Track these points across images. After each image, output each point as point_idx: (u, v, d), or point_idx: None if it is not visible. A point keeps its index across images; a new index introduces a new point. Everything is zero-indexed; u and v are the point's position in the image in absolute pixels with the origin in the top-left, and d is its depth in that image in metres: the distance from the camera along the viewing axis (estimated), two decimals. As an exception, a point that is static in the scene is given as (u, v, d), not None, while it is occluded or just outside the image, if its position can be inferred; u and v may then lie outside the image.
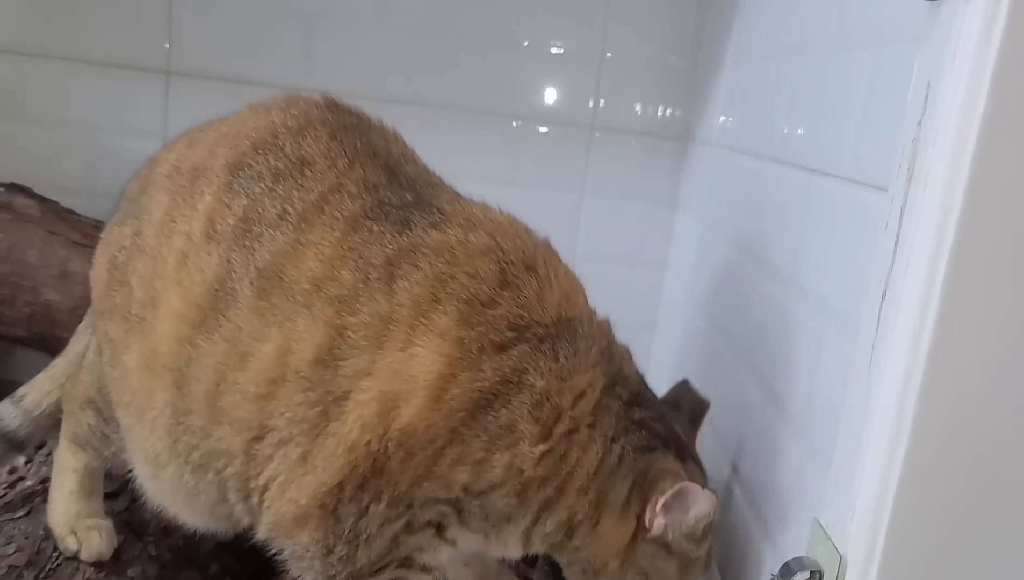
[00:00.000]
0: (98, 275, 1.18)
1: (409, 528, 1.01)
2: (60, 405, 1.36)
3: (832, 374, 0.95)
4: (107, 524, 1.31)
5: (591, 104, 1.95)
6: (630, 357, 1.10)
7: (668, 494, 1.00)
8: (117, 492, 1.44)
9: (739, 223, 1.42)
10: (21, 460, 1.55)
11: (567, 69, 1.94)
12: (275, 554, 1.29)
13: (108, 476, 1.40)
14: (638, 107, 1.95)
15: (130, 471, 1.48)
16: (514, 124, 1.96)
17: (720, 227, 1.55)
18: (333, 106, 1.13)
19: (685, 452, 1.07)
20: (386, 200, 1.04)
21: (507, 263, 1.01)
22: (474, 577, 1.25)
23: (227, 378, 1.02)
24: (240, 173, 1.05)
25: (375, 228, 1.01)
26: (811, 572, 0.82)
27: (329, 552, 1.01)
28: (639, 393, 1.07)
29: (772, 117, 1.29)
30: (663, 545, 1.04)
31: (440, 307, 0.97)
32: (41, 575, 1.23)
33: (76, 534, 1.27)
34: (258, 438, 1.02)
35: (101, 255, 1.19)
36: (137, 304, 1.10)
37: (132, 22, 1.93)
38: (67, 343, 1.49)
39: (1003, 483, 0.73)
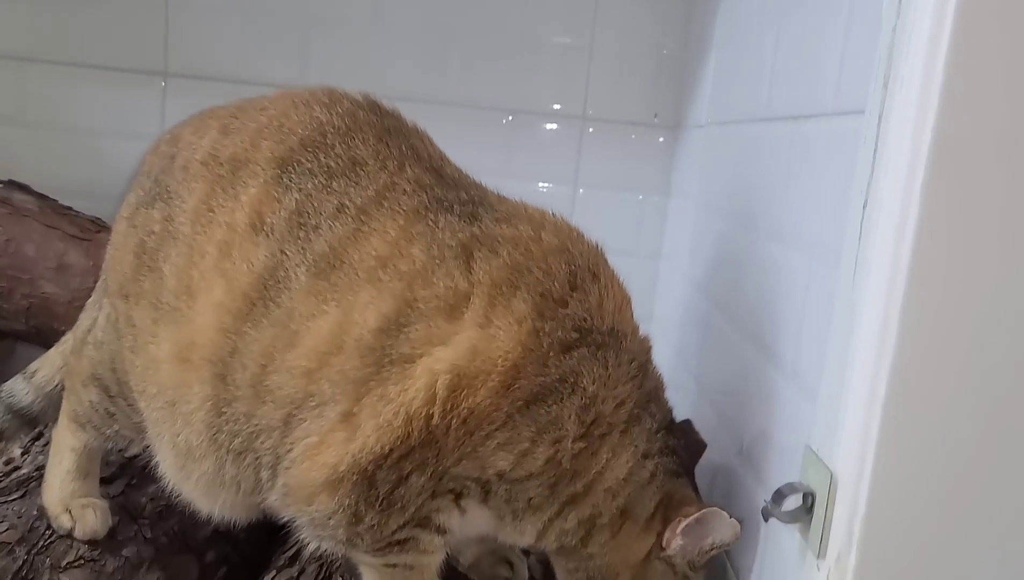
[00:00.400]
0: (122, 257, 1.17)
1: (433, 495, 1.01)
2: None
3: (818, 311, 0.94)
4: (102, 504, 1.30)
5: (583, 96, 1.97)
6: (663, 384, 1.12)
7: (692, 517, 1.04)
8: (113, 477, 1.44)
9: (731, 196, 1.43)
10: (17, 451, 1.55)
11: (558, 62, 1.96)
12: (282, 528, 1.29)
13: (104, 461, 1.40)
14: (629, 97, 1.97)
15: (122, 451, 1.50)
16: (508, 118, 1.98)
17: (713, 206, 1.55)
18: (375, 108, 1.15)
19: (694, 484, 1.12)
20: (442, 197, 1.06)
21: (576, 266, 1.04)
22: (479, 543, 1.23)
23: (275, 360, 1.02)
24: (290, 168, 1.06)
25: (440, 220, 1.03)
26: (803, 495, 0.81)
27: (359, 520, 1.00)
28: (672, 421, 1.11)
29: (756, 82, 1.31)
30: (671, 566, 1.07)
31: (519, 294, 0.99)
32: (33, 551, 1.22)
33: (70, 512, 1.26)
34: (298, 407, 1.01)
35: (127, 237, 1.17)
36: (170, 293, 1.09)
37: (129, 26, 1.96)
38: (61, 335, 1.49)
39: (989, 389, 0.73)
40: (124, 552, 1.30)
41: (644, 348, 1.09)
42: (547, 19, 1.95)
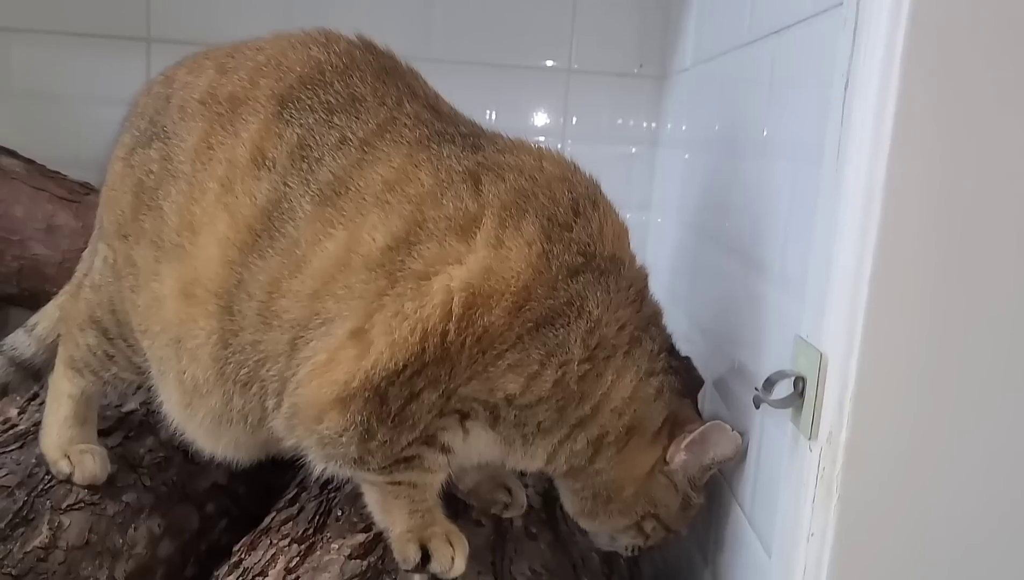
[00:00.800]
0: (119, 197, 1.17)
1: (440, 413, 1.03)
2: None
3: (803, 213, 0.95)
4: (100, 450, 1.31)
5: (568, 49, 1.97)
6: (661, 311, 1.14)
7: (696, 431, 1.08)
8: (110, 430, 1.44)
9: (718, 129, 1.44)
10: (14, 411, 1.55)
11: (541, 14, 1.96)
12: (281, 484, 1.30)
13: (101, 415, 1.40)
14: (614, 48, 1.97)
15: (119, 406, 1.50)
16: (493, 72, 1.99)
17: (701, 144, 1.56)
18: (371, 48, 1.17)
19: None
20: (442, 130, 1.09)
21: (578, 193, 1.06)
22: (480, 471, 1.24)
23: (281, 286, 1.03)
24: (290, 105, 1.08)
25: (444, 149, 1.06)
26: (794, 380, 0.82)
27: (371, 436, 1.01)
28: (672, 346, 1.16)
29: (738, 7, 1.32)
30: (673, 482, 1.11)
31: (527, 217, 1.01)
32: (33, 494, 1.22)
33: (69, 457, 1.27)
34: (304, 328, 1.03)
35: (123, 177, 1.17)
36: (171, 230, 1.10)
37: (111, -9, 1.96)
38: (52, 296, 1.49)
39: (973, 259, 0.74)
40: (124, 498, 1.31)
41: (642, 275, 1.11)
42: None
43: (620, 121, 2.00)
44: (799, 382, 0.81)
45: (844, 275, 0.76)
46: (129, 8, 1.96)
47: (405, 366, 0.98)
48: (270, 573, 1.08)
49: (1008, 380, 0.75)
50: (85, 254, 1.36)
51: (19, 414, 1.55)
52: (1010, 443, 0.76)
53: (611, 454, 1.08)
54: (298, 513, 1.25)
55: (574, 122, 2.01)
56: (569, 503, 1.17)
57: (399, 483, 1.06)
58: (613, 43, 1.98)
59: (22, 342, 1.40)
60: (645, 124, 1.99)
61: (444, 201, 1.01)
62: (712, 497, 1.19)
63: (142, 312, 1.14)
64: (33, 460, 1.30)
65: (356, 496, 1.19)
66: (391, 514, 1.08)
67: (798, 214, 0.97)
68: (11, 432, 1.44)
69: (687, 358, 1.31)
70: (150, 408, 1.57)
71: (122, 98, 1.97)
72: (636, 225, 1.97)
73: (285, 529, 1.20)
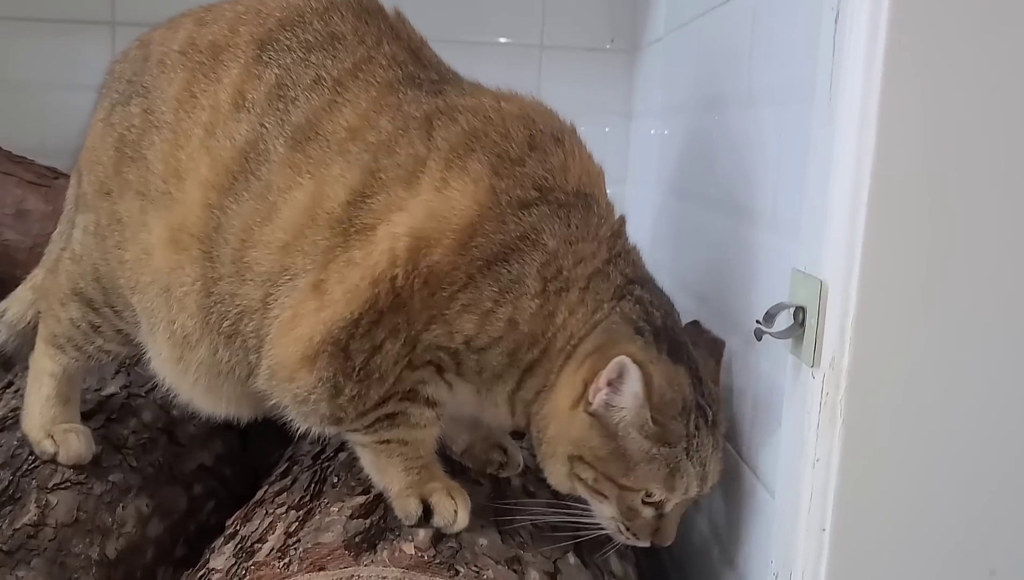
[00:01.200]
0: (99, 157, 1.16)
1: (411, 365, 1.02)
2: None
3: (793, 156, 0.97)
4: (85, 429, 1.29)
5: (539, 24, 1.98)
6: (639, 252, 1.12)
7: (609, 368, 0.96)
8: (91, 413, 1.41)
9: (698, 90, 1.45)
10: (-12, 398, 1.51)
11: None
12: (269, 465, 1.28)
13: (82, 399, 1.37)
14: (585, 24, 1.98)
15: (99, 390, 1.47)
16: (464, 49, 1.98)
17: (679, 109, 1.58)
18: None
19: (682, 357, 1.02)
20: (415, 75, 1.08)
21: (537, 130, 1.05)
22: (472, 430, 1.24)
23: (253, 234, 1.03)
24: (269, 47, 1.08)
25: (410, 93, 1.06)
26: (793, 311, 0.83)
27: (339, 393, 1.00)
28: (648, 281, 1.09)
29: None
30: (604, 424, 0.99)
31: (475, 155, 1.01)
32: (18, 474, 1.19)
33: (53, 437, 1.24)
34: (274, 284, 1.03)
35: (104, 136, 1.16)
36: (157, 178, 1.10)
37: (72, -26, 1.92)
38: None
39: (970, 180, 0.76)
40: (111, 478, 1.29)
41: (619, 220, 1.09)
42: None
43: (593, 96, 2.01)
44: (799, 313, 0.82)
45: (841, 202, 0.77)
46: (92, -9, 1.93)
47: (361, 316, 0.98)
48: (269, 539, 1.07)
49: (1009, 297, 0.77)
50: (55, 235, 1.35)
51: (-6, 401, 1.51)
52: (1011, 357, 0.77)
53: (549, 392, 1.04)
54: (292, 484, 1.24)
55: (547, 99, 2.01)
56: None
57: (388, 442, 1.06)
58: (584, 19, 1.99)
59: None
60: (618, 98, 2.00)
61: (397, 149, 1.02)
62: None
63: (131, 266, 1.13)
64: (14, 442, 1.27)
65: (351, 463, 1.19)
66: (386, 473, 1.07)
67: (788, 156, 0.99)
68: (-12, 418, 1.41)
69: (695, 322, 1.27)
70: (131, 391, 1.55)
71: (86, 84, 1.93)
72: (612, 200, 2.02)
73: (280, 499, 1.18)
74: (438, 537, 1.01)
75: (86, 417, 1.38)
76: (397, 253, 0.97)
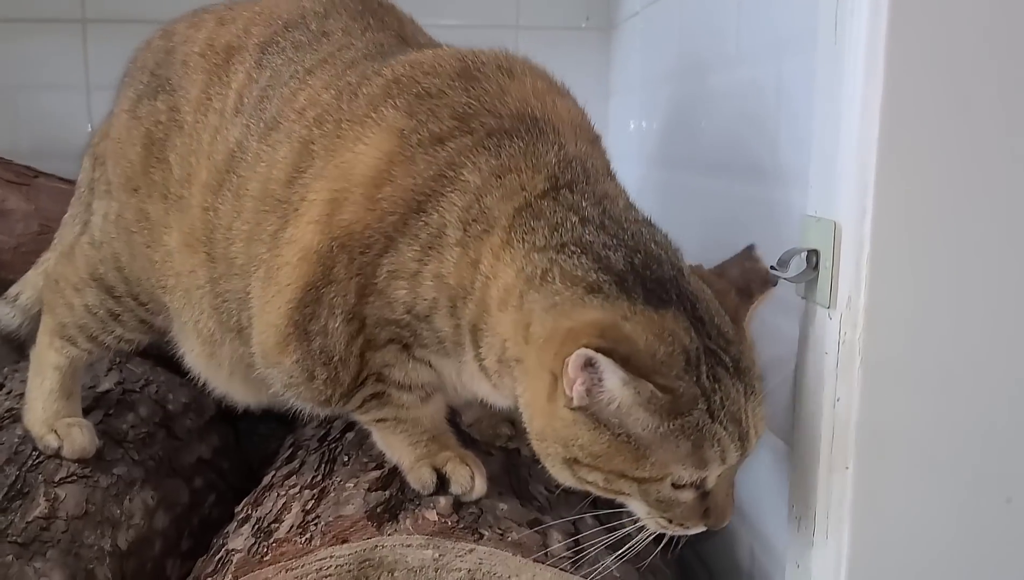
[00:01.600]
0: (127, 150, 1.15)
1: (371, 345, 0.97)
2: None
3: (793, 107, 0.98)
4: (87, 422, 1.27)
5: (514, 4, 1.99)
6: (616, 182, 0.96)
7: (571, 366, 0.78)
8: (89, 409, 1.39)
9: (680, 60, 1.47)
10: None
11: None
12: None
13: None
14: (560, 2, 1.99)
15: (93, 387, 1.45)
16: (439, 32, 1.98)
17: (661, 82, 1.59)
18: None
19: (668, 296, 0.82)
20: (387, 53, 1.04)
21: (474, 62, 0.96)
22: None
23: (232, 230, 1.03)
24: (268, 50, 1.08)
25: (360, 67, 1.01)
26: (807, 255, 0.85)
27: (312, 377, 0.98)
28: (606, 212, 0.87)
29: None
30: (595, 415, 0.81)
31: (391, 101, 0.93)
32: (24, 469, 1.18)
33: (56, 432, 1.22)
34: (250, 275, 1.02)
35: (129, 128, 1.15)
36: (176, 182, 1.10)
37: (40, -29, 1.89)
38: (11, 284, 1.44)
39: (977, 110, 0.78)
40: (115, 471, 1.27)
41: (586, 152, 0.93)
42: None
43: (571, 75, 2.01)
44: (812, 256, 0.84)
45: (851, 144, 0.79)
46: (60, -12, 1.89)
47: (304, 295, 0.94)
48: (286, 518, 1.06)
49: (1021, 227, 0.79)
50: (66, 218, 1.34)
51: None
52: None
53: (519, 373, 0.88)
54: (300, 466, 1.23)
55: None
56: None
57: (384, 419, 1.04)
58: (558, -3, 2.00)
59: (5, 313, 1.36)
60: (596, 75, 2.01)
61: (328, 117, 0.97)
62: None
63: (159, 267, 1.13)
64: (16, 439, 1.25)
65: (360, 442, 1.19)
66: (394, 448, 1.07)
67: (789, 108, 1.00)
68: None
69: (750, 246, 0.93)
70: (125, 387, 1.53)
71: (58, 83, 1.92)
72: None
73: (291, 481, 1.18)
74: (458, 504, 1.01)
75: (84, 413, 1.37)
76: (316, 220, 0.92)
